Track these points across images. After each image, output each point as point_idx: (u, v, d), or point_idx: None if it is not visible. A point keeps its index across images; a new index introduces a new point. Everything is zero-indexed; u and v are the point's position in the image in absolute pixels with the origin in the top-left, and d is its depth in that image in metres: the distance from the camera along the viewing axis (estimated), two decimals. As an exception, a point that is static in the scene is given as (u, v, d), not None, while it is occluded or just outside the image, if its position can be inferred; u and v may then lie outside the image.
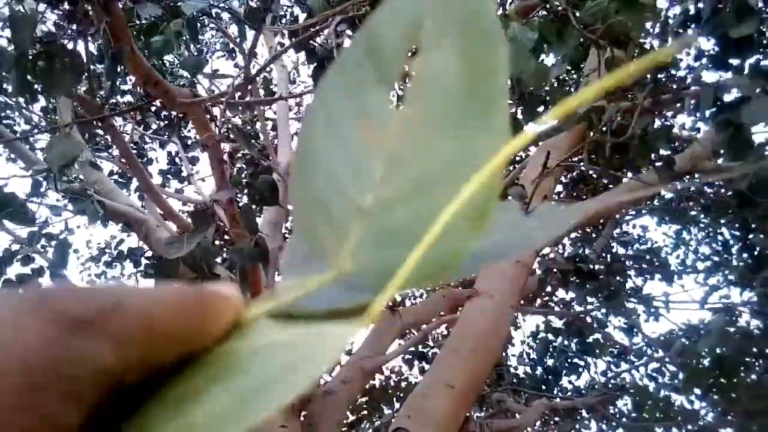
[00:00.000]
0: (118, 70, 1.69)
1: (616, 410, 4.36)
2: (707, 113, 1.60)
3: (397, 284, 0.17)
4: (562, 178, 4.26)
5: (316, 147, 0.21)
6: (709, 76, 4.22)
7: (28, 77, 1.16)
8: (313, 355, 0.15)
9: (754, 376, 3.25)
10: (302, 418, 2.67)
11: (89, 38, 1.61)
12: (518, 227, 0.22)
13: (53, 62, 1.16)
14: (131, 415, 0.15)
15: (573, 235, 4.37)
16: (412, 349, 4.84)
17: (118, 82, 4.35)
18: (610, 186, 3.68)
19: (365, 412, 4.85)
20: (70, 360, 0.14)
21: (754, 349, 3.18)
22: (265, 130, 4.12)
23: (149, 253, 3.63)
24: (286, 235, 4.35)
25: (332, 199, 0.20)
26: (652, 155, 2.28)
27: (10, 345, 0.14)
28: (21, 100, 4.12)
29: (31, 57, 1.18)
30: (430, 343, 5.08)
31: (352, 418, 4.81)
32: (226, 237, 3.66)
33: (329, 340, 0.16)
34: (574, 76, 3.48)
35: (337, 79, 0.21)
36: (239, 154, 4.24)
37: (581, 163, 3.18)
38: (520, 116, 1.97)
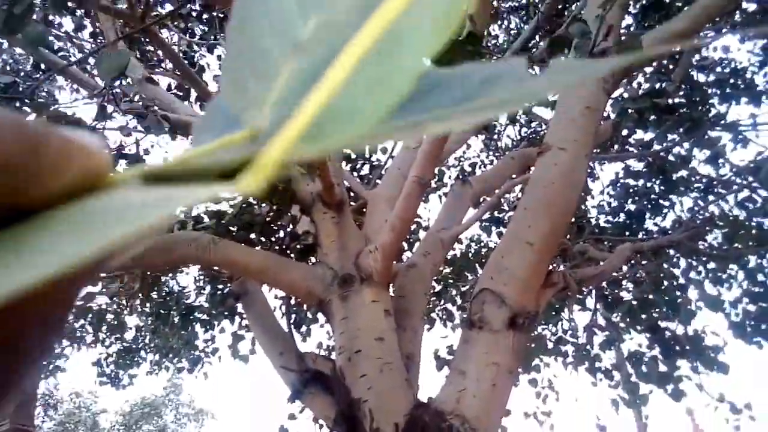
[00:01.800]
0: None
1: (706, 244, 4.27)
2: None
3: (291, 133, 0.12)
4: (631, 8, 3.89)
5: None
6: None
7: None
8: (120, 219, 0.11)
9: None
10: (392, 292, 2.81)
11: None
12: (523, 83, 0.16)
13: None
14: None
15: (648, 69, 4.06)
16: (488, 215, 4.87)
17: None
18: (685, 8, 3.34)
19: (450, 280, 5.04)
20: None
21: None
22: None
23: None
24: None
25: (268, 39, 0.16)
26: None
27: None
28: (69, 29, 4.17)
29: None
30: (506, 208, 5.09)
31: (438, 287, 5.02)
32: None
33: (155, 202, 0.12)
34: None
35: None
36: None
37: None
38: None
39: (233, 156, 0.15)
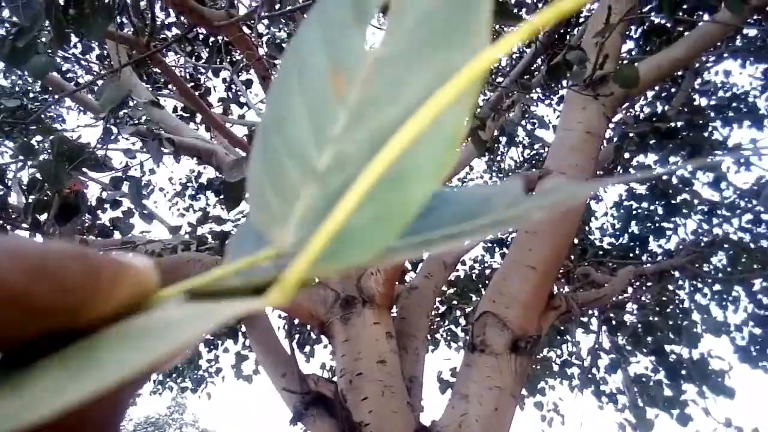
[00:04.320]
0: (155, 5, 1.68)
1: (711, 267, 4.25)
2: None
3: (310, 257, 0.14)
4: (632, 33, 3.92)
5: (282, 105, 0.18)
6: None
7: (63, 26, 1.18)
8: (163, 335, 0.13)
9: None
10: (394, 314, 2.81)
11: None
12: (516, 205, 0.19)
13: (83, 7, 1.17)
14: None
15: (649, 93, 4.08)
16: (491, 236, 4.87)
17: (162, 16, 4.36)
18: (686, 33, 3.36)
19: (454, 301, 5.02)
20: None
21: None
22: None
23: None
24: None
25: (288, 164, 0.17)
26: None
27: None
28: (77, 51, 4.25)
29: (62, 5, 1.19)
30: (509, 229, 5.08)
31: (442, 308, 5.00)
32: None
33: (194, 319, 0.14)
34: None
35: (314, 23, 0.18)
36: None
37: (651, 13, 2.90)
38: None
39: (262, 275, 0.17)
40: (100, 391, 0.11)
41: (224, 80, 4.92)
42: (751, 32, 3.77)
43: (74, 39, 4.04)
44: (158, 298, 0.17)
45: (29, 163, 2.23)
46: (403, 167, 0.14)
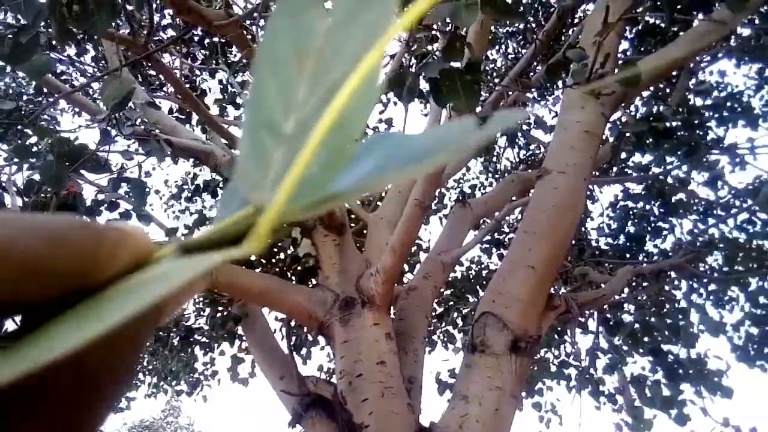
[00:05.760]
0: (153, 4, 1.67)
1: (707, 266, 4.26)
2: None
3: (276, 208, 0.17)
4: (627, 33, 3.94)
5: (258, 87, 0.21)
6: None
7: (66, 24, 1.17)
8: (152, 284, 0.15)
9: None
10: (392, 315, 2.80)
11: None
12: (468, 135, 0.21)
13: (86, 4, 1.16)
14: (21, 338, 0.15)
15: (645, 93, 4.10)
16: (489, 237, 4.88)
17: (157, 18, 4.34)
18: (680, 33, 3.38)
19: (451, 302, 5.02)
20: None
21: None
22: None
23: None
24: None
25: (263, 135, 0.20)
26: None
27: None
28: (72, 53, 4.23)
29: (65, 2, 1.18)
30: (506, 230, 5.09)
31: (439, 309, 5.00)
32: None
33: (181, 269, 0.16)
34: None
35: (278, 14, 0.21)
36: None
37: (645, 13, 2.91)
38: None
39: (240, 226, 0.19)
40: (103, 332, 0.13)
41: (220, 81, 4.90)
42: (745, 32, 3.79)
43: (70, 46, 4.02)
44: (156, 258, 0.19)
45: (25, 165, 2.21)
46: (343, 116, 0.17)
